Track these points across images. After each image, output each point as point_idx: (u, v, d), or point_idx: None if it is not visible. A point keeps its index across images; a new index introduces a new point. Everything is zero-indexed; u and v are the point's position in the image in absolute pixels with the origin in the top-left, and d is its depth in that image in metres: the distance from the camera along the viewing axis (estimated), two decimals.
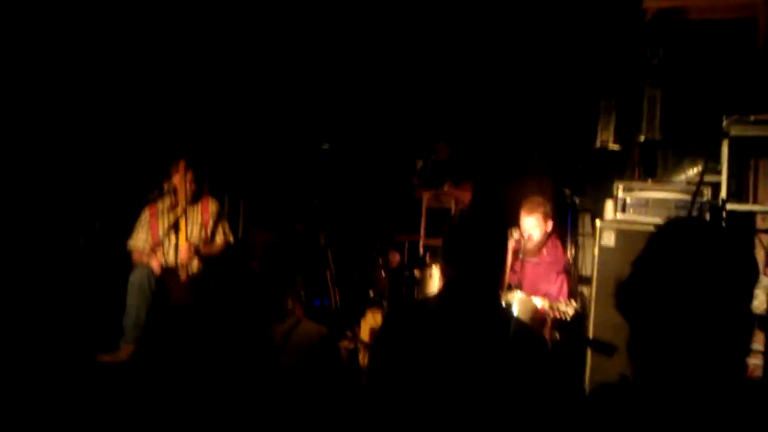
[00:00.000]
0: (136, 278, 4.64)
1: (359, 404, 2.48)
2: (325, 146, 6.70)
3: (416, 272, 5.76)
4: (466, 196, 6.11)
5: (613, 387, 1.43)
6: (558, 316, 4.44)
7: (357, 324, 5.89)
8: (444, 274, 2.45)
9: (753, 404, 1.32)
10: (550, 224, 4.88)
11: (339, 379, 2.39)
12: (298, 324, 2.38)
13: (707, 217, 4.31)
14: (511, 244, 4.72)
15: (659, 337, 1.35)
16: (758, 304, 3.77)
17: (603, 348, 4.23)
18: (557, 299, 4.60)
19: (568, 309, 4.40)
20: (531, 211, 4.84)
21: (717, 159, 4.56)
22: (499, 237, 2.32)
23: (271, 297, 2.41)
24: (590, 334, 4.73)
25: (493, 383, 2.17)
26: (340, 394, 2.37)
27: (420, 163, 5.99)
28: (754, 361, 3.63)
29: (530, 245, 4.78)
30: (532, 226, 4.82)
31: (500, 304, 2.42)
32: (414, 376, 2.25)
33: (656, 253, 1.40)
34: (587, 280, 5.22)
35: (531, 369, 2.20)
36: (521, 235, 4.78)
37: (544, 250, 4.88)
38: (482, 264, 2.28)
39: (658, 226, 1.47)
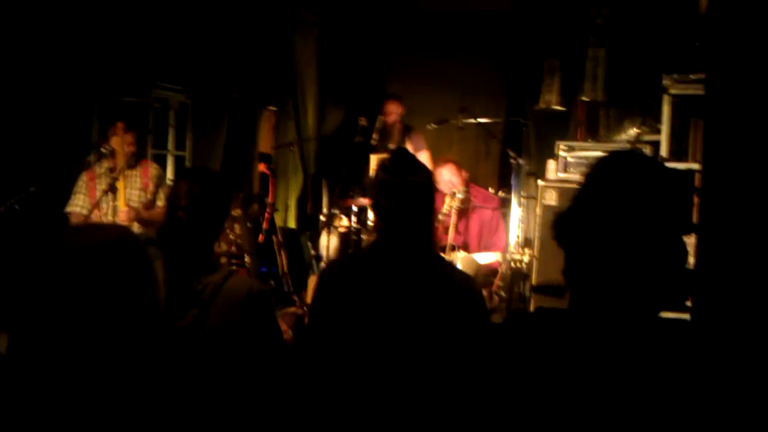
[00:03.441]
0: None
1: (297, 355, 2.49)
2: (273, 108, 6.64)
3: (364, 236, 5.77)
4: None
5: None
6: (515, 266, 4.61)
7: (304, 289, 5.89)
8: (375, 226, 2.47)
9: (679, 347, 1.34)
10: (464, 173, 5.21)
11: (269, 337, 2.36)
12: (230, 276, 2.34)
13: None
14: (455, 204, 4.81)
15: (595, 270, 1.35)
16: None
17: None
18: (506, 248, 4.77)
19: (523, 257, 4.54)
20: (444, 163, 5.18)
21: (658, 118, 4.62)
22: (424, 184, 2.34)
23: (199, 247, 2.37)
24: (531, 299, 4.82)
25: (426, 326, 2.22)
26: (270, 353, 2.34)
27: (363, 121, 5.86)
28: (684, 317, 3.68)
29: (458, 195, 4.96)
30: (450, 175, 5.10)
31: (433, 253, 2.43)
32: (347, 323, 2.29)
33: (595, 184, 1.40)
34: (530, 243, 5.29)
35: (466, 317, 2.25)
36: (448, 188, 5.00)
37: (472, 197, 5.13)
38: (409, 212, 2.30)
39: (599, 158, 1.45)
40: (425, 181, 2.36)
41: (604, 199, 1.34)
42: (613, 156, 1.43)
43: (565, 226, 1.40)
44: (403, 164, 2.34)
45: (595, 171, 1.41)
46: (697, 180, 4.52)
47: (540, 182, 4.81)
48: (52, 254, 1.52)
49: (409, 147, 5.98)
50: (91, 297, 1.47)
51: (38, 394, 1.45)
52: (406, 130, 6.33)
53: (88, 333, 1.47)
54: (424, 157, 5.95)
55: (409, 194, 2.31)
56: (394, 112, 6.14)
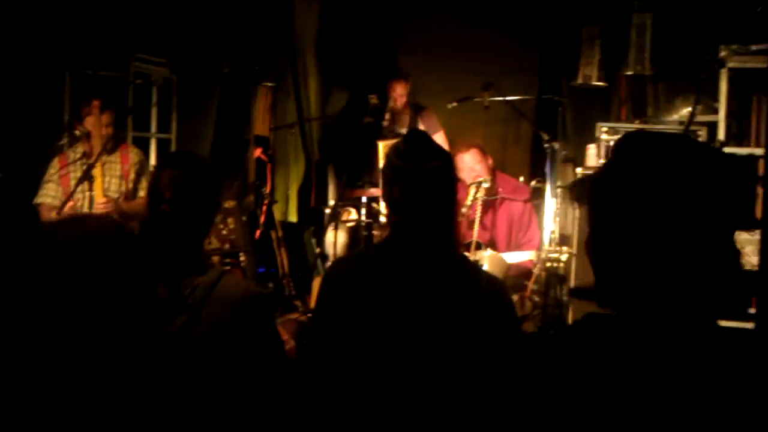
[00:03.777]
0: None
1: (300, 367, 2.47)
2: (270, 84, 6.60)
3: (375, 231, 5.73)
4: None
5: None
6: (550, 267, 4.69)
7: (308, 293, 5.87)
8: (388, 220, 2.46)
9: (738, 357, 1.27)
10: (490, 159, 5.15)
11: (268, 347, 2.33)
12: (223, 277, 2.29)
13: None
14: (480, 195, 4.79)
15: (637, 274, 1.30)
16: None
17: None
18: (539, 245, 4.75)
19: (560, 256, 4.53)
20: (467, 148, 5.10)
21: (714, 95, 4.57)
22: (444, 171, 2.30)
23: (186, 244, 2.32)
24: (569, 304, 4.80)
25: (446, 337, 2.19)
26: (270, 365, 2.31)
27: (374, 99, 5.80)
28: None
29: (483, 185, 4.96)
30: (474, 162, 5.04)
31: (455, 251, 2.40)
32: (356, 332, 2.27)
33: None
34: (567, 240, 5.26)
35: (493, 325, 2.22)
36: (471, 177, 4.96)
37: (499, 187, 5.10)
38: (427, 203, 2.26)
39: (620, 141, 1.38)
40: (445, 167, 2.30)
41: (643, 188, 1.28)
42: (643, 138, 1.36)
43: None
44: (419, 148, 2.28)
45: (627, 156, 1.34)
46: (761, 167, 4.52)
47: (578, 170, 4.78)
48: (31, 253, 1.50)
49: (421, 129, 5.93)
50: (78, 299, 1.48)
51: (21, 398, 1.46)
52: (417, 110, 6.27)
53: (75, 338, 1.47)
54: (439, 139, 5.89)
55: (426, 183, 2.26)
56: (401, 93, 6.09)
